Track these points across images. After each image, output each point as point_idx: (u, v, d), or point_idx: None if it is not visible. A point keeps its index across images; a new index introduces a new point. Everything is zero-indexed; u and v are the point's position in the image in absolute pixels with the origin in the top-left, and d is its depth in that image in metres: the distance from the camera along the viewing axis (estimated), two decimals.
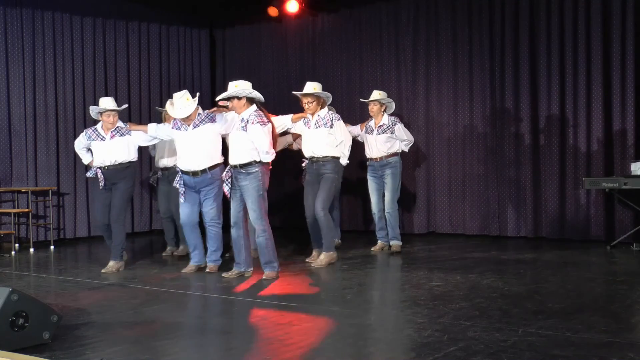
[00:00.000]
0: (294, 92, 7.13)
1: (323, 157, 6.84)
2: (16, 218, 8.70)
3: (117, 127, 6.80)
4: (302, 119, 6.96)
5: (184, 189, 6.46)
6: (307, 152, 6.95)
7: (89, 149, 7.01)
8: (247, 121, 6.01)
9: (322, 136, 6.82)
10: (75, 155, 9.43)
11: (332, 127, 6.80)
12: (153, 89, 10.41)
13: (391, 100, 7.76)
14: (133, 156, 6.86)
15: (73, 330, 4.30)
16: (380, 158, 7.63)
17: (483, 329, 4.20)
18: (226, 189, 6.15)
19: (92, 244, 9.13)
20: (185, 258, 7.19)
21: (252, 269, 6.30)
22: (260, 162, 6.02)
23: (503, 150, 8.75)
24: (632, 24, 7.90)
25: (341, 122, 6.92)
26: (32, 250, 8.42)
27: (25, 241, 8.75)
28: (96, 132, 6.85)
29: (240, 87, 6.02)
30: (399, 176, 7.63)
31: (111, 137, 6.76)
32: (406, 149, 7.80)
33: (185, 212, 6.52)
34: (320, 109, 6.89)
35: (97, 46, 9.70)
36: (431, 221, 9.36)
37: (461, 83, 8.97)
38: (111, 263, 6.80)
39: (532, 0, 8.51)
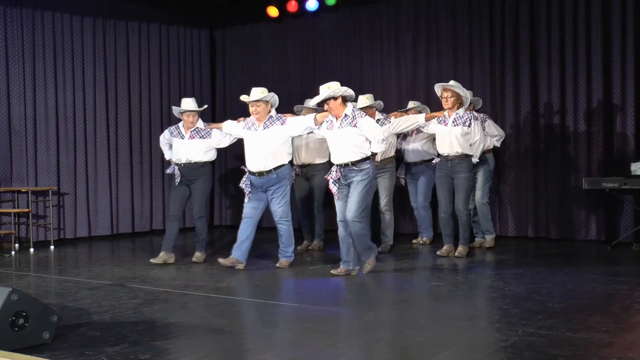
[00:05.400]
0: (437, 85, 7.18)
1: (459, 155, 6.97)
2: (16, 218, 8.69)
3: (197, 128, 7.12)
4: (437, 117, 7.08)
5: (249, 190, 6.61)
6: (443, 149, 7.06)
7: (171, 146, 7.30)
8: (354, 117, 6.04)
9: (460, 134, 6.93)
10: (76, 155, 9.50)
11: (469, 127, 6.92)
12: (153, 89, 10.39)
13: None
14: (210, 157, 7.17)
15: (73, 330, 4.30)
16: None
17: (483, 329, 4.20)
18: (334, 189, 6.09)
19: (92, 244, 9.14)
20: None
21: (358, 267, 6.23)
22: (370, 158, 6.03)
23: (503, 150, 8.74)
24: (632, 23, 7.90)
25: (479, 122, 7.08)
26: (32, 250, 8.41)
27: (25, 241, 8.74)
28: (177, 130, 7.22)
29: (332, 87, 6.05)
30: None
31: (190, 137, 7.10)
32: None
33: (250, 207, 6.65)
34: (458, 107, 7.00)
35: (97, 46, 9.69)
36: None
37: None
38: (197, 254, 7.22)
39: (532, 0, 8.53)
